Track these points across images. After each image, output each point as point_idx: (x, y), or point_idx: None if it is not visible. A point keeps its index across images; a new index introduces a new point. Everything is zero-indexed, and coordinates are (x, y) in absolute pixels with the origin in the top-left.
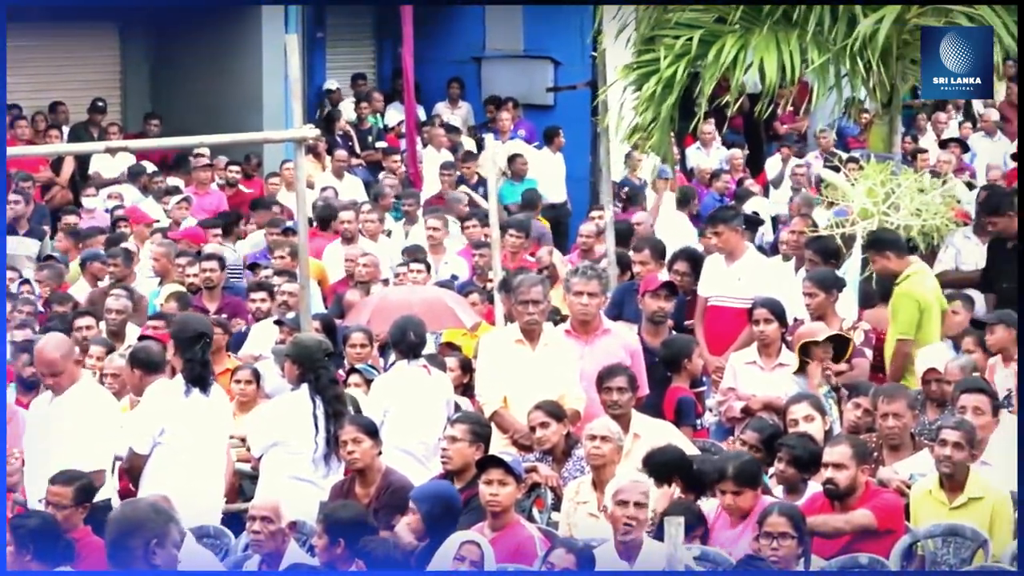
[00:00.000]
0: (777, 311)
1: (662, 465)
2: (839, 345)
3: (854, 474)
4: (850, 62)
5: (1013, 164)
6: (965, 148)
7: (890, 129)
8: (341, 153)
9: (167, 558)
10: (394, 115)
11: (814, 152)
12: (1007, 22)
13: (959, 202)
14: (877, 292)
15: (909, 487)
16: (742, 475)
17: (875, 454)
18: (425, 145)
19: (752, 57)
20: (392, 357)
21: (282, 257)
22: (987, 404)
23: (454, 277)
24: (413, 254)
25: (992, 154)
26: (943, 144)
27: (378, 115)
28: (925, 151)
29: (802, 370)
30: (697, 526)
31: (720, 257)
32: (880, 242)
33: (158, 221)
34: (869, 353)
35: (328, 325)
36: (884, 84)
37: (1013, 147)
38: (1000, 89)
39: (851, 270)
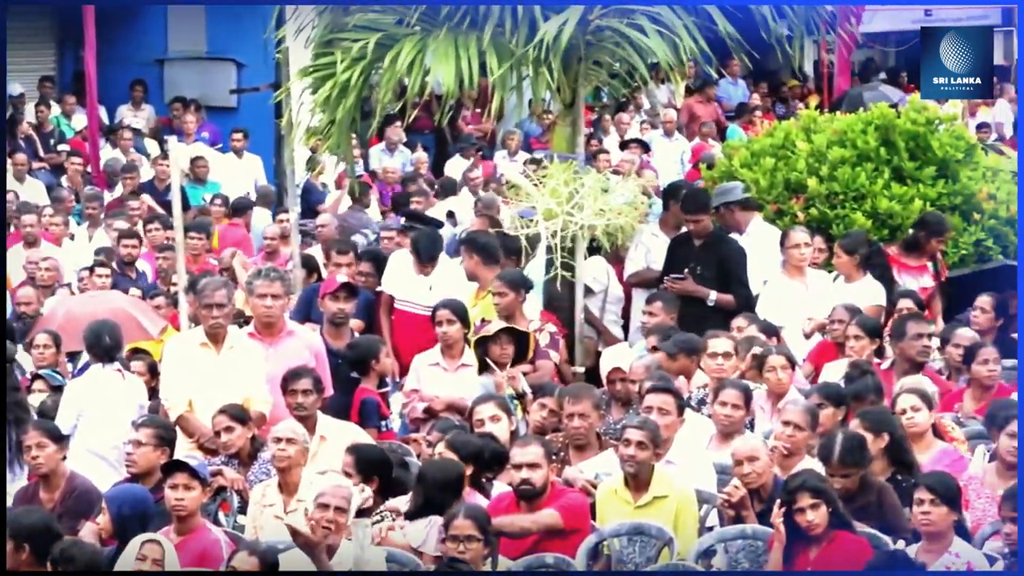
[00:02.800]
0: (459, 312)
1: (368, 463)
2: (520, 346)
3: (547, 473)
4: (532, 66)
5: (689, 165)
6: (646, 148)
7: (573, 130)
8: (21, 156)
9: None
10: (81, 118)
11: (501, 153)
12: (688, 24)
13: (649, 199)
14: (564, 294)
15: (595, 486)
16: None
17: (561, 453)
18: (115, 147)
19: (430, 62)
20: (85, 360)
21: None
22: (672, 404)
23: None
24: (103, 257)
25: (670, 154)
26: (624, 144)
27: (63, 117)
28: (607, 151)
29: (485, 369)
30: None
31: (404, 253)
32: (472, 243)
33: None
34: (555, 355)
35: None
36: (566, 86)
37: (689, 147)
38: (680, 90)
39: (535, 271)
